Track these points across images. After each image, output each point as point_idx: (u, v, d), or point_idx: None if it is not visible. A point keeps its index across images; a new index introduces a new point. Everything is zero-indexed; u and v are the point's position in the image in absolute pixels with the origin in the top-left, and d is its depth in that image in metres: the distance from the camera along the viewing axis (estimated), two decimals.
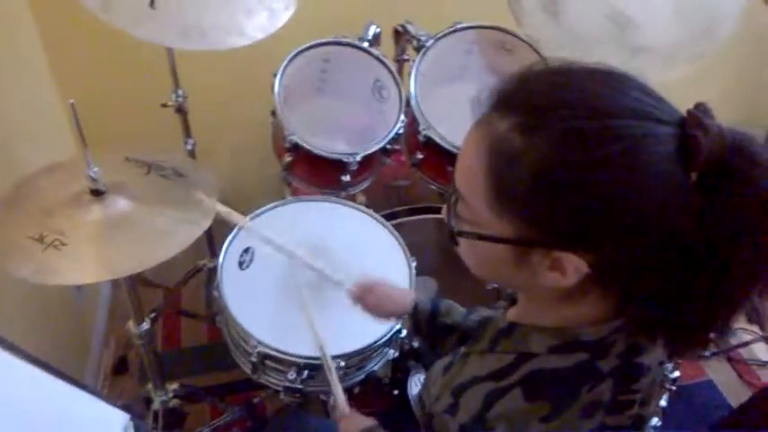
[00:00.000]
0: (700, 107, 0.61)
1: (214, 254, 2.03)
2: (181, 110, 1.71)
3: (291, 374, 1.31)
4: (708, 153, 0.58)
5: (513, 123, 0.61)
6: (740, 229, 0.59)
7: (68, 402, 0.82)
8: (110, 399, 0.90)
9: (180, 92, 1.69)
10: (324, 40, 1.63)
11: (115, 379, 2.00)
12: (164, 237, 1.15)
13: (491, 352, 0.77)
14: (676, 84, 1.67)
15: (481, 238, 0.67)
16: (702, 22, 1.49)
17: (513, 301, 0.85)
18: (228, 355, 1.44)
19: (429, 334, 1.11)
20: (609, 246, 0.62)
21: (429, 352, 1.53)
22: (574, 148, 0.59)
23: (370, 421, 1.04)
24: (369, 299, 1.13)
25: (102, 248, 1.12)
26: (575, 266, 0.63)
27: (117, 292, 2.23)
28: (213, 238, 2.01)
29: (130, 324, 1.42)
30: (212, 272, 2.06)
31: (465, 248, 0.72)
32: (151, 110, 1.69)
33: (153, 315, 1.47)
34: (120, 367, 2.02)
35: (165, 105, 1.69)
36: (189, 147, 1.78)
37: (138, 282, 1.41)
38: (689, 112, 0.61)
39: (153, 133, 1.70)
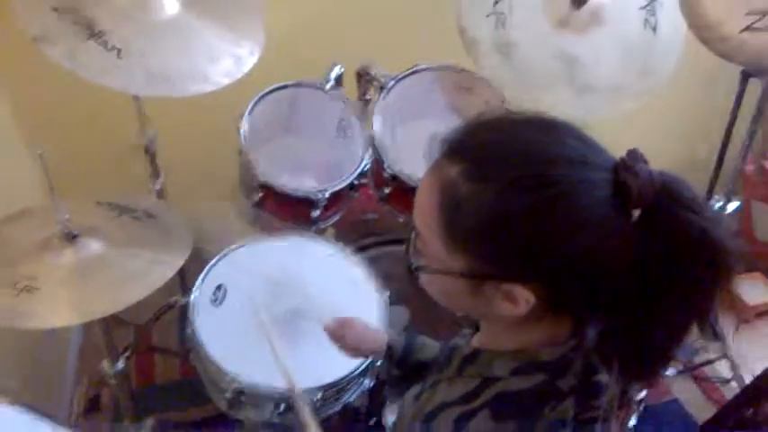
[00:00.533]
0: (631, 153, 0.67)
1: (186, 290, 2.04)
2: (149, 151, 1.75)
3: (268, 410, 1.34)
4: (638, 196, 0.64)
5: (461, 170, 0.67)
6: (672, 266, 0.64)
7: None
8: None
9: (149, 132, 1.72)
10: (288, 83, 1.69)
11: (88, 417, 1.99)
12: (137, 278, 1.19)
13: (458, 377, 0.81)
14: (627, 120, 1.78)
15: (436, 272, 0.73)
16: (645, 61, 1.59)
17: (476, 328, 0.90)
18: (203, 390, 1.46)
19: (403, 372, 1.14)
20: (552, 279, 0.67)
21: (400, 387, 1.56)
22: (514, 195, 0.64)
23: None
24: (347, 336, 1.16)
25: (75, 291, 1.16)
26: (524, 297, 0.68)
27: (88, 331, 2.22)
28: (185, 275, 2.03)
29: (105, 364, 1.44)
30: (184, 308, 2.08)
31: (426, 281, 0.77)
32: (119, 151, 1.72)
33: (127, 354, 1.49)
34: (93, 407, 2.01)
35: (133, 147, 1.72)
36: (158, 187, 1.81)
37: (111, 326, 1.43)
38: (621, 158, 0.67)
39: (122, 175, 1.74)
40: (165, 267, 1.21)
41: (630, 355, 0.71)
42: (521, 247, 0.66)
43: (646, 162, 0.66)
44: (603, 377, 0.77)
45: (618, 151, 0.69)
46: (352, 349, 1.16)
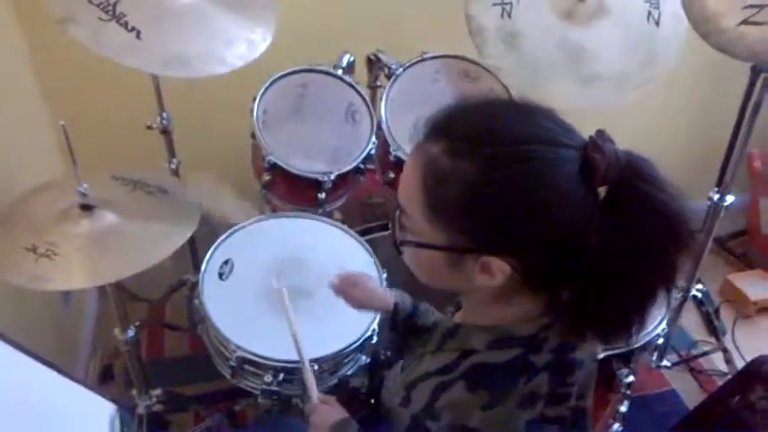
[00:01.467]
0: (599, 133, 0.72)
1: (198, 269, 2.11)
2: (165, 131, 1.81)
3: (268, 378, 1.40)
4: (604, 172, 0.69)
5: (443, 148, 0.73)
6: (637, 238, 0.70)
7: (58, 392, 0.91)
8: (98, 390, 0.99)
9: (165, 114, 1.79)
10: (300, 68, 1.76)
11: (101, 387, 2.07)
12: (147, 247, 1.25)
13: (440, 351, 0.86)
14: (641, 114, 1.80)
15: (420, 245, 0.78)
16: (648, 51, 1.63)
17: (459, 307, 0.95)
18: (210, 366, 1.52)
19: (404, 333, 1.19)
20: (527, 250, 0.73)
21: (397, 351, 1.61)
22: (492, 170, 0.70)
23: (340, 413, 1.10)
24: (355, 291, 1.21)
25: (90, 258, 1.22)
26: (500, 269, 0.73)
27: (103, 304, 2.30)
28: (197, 253, 2.10)
29: (116, 331, 1.50)
30: (195, 286, 2.15)
31: (409, 256, 0.83)
32: (137, 131, 1.79)
33: (138, 323, 1.56)
34: (106, 376, 2.09)
35: (149, 127, 1.79)
36: (173, 166, 1.88)
37: (124, 296, 1.51)
38: (590, 137, 0.72)
39: (138, 153, 1.80)
40: (175, 238, 1.27)
41: (602, 321, 0.76)
42: (497, 219, 0.71)
43: (612, 142, 0.71)
44: (579, 354, 0.82)
45: (628, 144, 0.73)
46: (359, 303, 1.21)
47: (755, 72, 2.35)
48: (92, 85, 1.96)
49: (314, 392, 1.19)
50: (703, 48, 1.48)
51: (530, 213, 0.70)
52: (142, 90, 1.72)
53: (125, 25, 1.36)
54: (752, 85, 2.38)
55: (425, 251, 0.77)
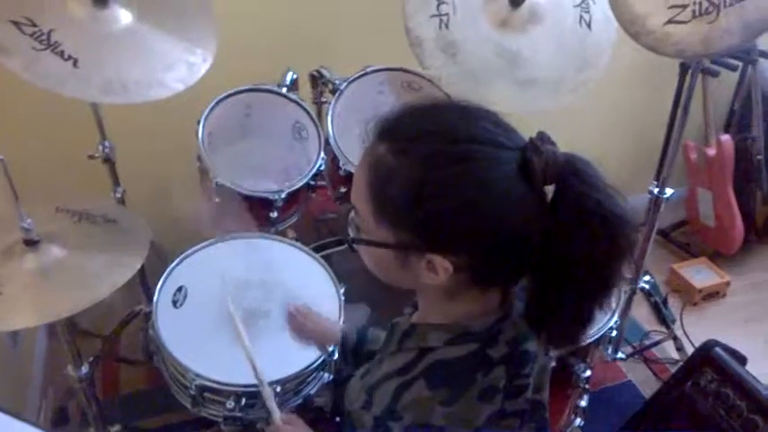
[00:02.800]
0: (540, 135, 0.75)
1: (150, 298, 2.07)
2: (108, 160, 1.77)
3: (230, 404, 1.37)
4: (541, 173, 0.72)
5: (387, 148, 0.75)
6: (578, 237, 0.72)
7: None
8: None
9: (107, 143, 1.75)
10: (244, 88, 1.75)
11: (55, 430, 2.00)
12: (98, 279, 1.22)
13: (399, 351, 0.87)
14: (579, 114, 1.86)
15: (368, 243, 0.80)
16: (582, 54, 1.68)
17: (416, 307, 0.96)
18: (169, 397, 1.49)
19: (356, 362, 1.19)
20: (467, 248, 0.75)
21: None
22: (432, 169, 0.72)
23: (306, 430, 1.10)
24: (307, 324, 1.21)
25: (38, 294, 1.19)
26: (443, 267, 0.75)
27: (53, 343, 2.23)
28: (148, 283, 2.06)
29: (69, 369, 1.46)
30: (148, 316, 2.10)
31: (364, 255, 0.84)
32: (80, 161, 1.75)
33: (91, 359, 1.51)
34: (60, 418, 2.02)
35: (92, 157, 1.75)
36: (118, 195, 1.84)
37: (75, 333, 1.46)
38: (530, 138, 0.75)
39: (83, 184, 1.76)
40: (125, 268, 1.24)
41: (551, 321, 0.79)
42: (437, 218, 0.73)
43: (553, 144, 0.74)
44: (531, 346, 0.84)
45: (572, 144, 0.76)
46: (311, 335, 1.21)
47: (684, 68, 2.47)
48: (30, 115, 1.91)
49: (276, 414, 1.17)
50: (636, 47, 1.54)
51: (469, 212, 0.72)
52: (83, 119, 1.68)
53: (61, 54, 1.33)
54: (682, 80, 2.49)
55: (377, 249, 0.79)
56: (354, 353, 1.18)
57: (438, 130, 0.75)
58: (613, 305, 1.63)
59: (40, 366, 2.18)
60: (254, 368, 1.16)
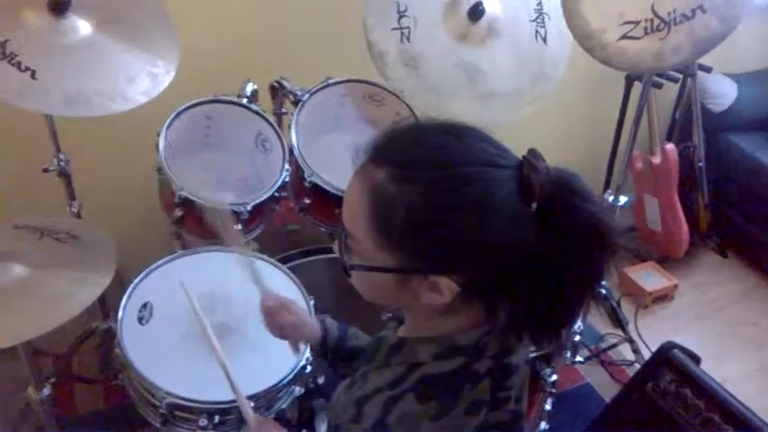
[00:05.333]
0: (532, 152, 0.77)
1: (107, 315, 2.02)
2: (64, 173, 1.72)
3: (203, 422, 1.34)
4: (539, 189, 0.74)
5: (387, 174, 0.75)
6: (568, 248, 0.75)
7: None
8: None
9: (61, 156, 1.70)
10: (204, 99, 1.73)
11: None
12: (63, 299, 1.18)
13: (386, 366, 0.87)
14: (529, 124, 1.91)
15: (369, 269, 0.80)
16: (538, 67, 1.74)
17: (401, 321, 0.97)
18: (129, 417, 1.44)
19: (336, 357, 1.19)
20: (472, 268, 0.76)
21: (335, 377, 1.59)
22: (437, 194, 0.73)
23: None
24: (287, 317, 1.16)
25: (1, 316, 1.14)
26: (448, 287, 0.76)
27: (2, 366, 2.13)
28: (105, 300, 2.00)
29: (30, 391, 1.40)
30: (106, 333, 2.04)
31: (356, 278, 0.84)
32: (33, 176, 1.69)
33: (53, 380, 1.46)
34: None
35: (46, 170, 1.70)
36: (74, 209, 1.79)
37: (32, 353, 1.41)
38: (524, 157, 0.77)
39: (37, 199, 1.70)
40: (93, 287, 1.21)
41: (536, 327, 0.81)
42: (443, 241, 0.75)
43: (544, 160, 0.77)
44: (514, 358, 0.86)
45: (521, 152, 0.79)
46: (288, 328, 1.17)
47: (629, 80, 2.57)
48: None
49: (250, 417, 1.16)
50: (582, 61, 1.59)
51: (474, 234, 0.74)
52: (37, 132, 1.63)
53: (18, 65, 1.29)
54: (627, 92, 2.60)
55: (373, 274, 0.79)
56: (336, 348, 1.18)
57: (437, 155, 0.76)
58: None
59: None
60: (225, 369, 1.14)
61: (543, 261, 0.75)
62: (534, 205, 0.75)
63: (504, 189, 0.74)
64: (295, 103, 1.80)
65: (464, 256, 0.75)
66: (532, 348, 1.52)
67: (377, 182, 0.76)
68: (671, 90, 2.81)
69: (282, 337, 1.18)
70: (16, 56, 1.30)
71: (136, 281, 1.52)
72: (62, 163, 1.70)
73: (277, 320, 1.15)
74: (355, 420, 0.81)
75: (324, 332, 1.18)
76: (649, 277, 2.68)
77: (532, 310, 0.79)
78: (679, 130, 2.93)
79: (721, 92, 2.82)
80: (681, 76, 2.62)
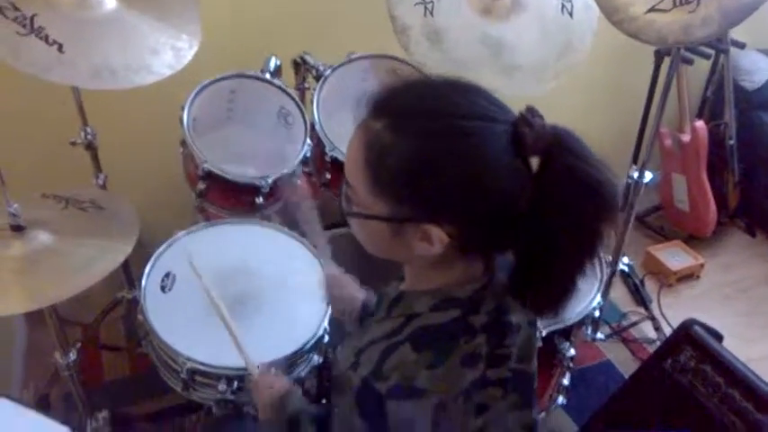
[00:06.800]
0: (529, 109, 0.77)
1: (132, 285, 2.06)
2: (90, 146, 1.76)
3: (222, 386, 1.38)
4: (532, 144, 0.75)
5: (384, 124, 0.77)
6: (565, 206, 0.75)
7: (10, 418, 0.88)
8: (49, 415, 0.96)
9: (88, 129, 1.74)
10: (228, 74, 1.74)
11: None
12: (86, 265, 1.21)
13: (387, 318, 0.90)
14: (547, 97, 1.89)
15: (364, 217, 0.82)
16: (564, 41, 1.71)
17: (403, 279, 0.98)
18: (154, 384, 1.48)
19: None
20: (463, 219, 0.78)
21: None
22: (431, 144, 0.75)
23: (283, 385, 1.13)
24: (344, 290, 1.24)
25: (26, 281, 1.18)
26: (439, 237, 0.78)
27: (33, 332, 2.21)
28: (130, 270, 2.05)
29: (57, 355, 1.45)
30: (131, 303, 2.09)
31: (355, 228, 0.87)
32: (61, 148, 1.73)
33: (79, 345, 1.51)
34: (42, 406, 2.00)
35: (74, 143, 1.74)
36: (100, 182, 1.83)
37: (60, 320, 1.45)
38: (520, 112, 0.77)
39: (64, 171, 1.74)
40: (115, 253, 1.24)
41: (536, 288, 0.82)
42: (435, 190, 0.76)
43: (541, 117, 0.77)
44: (514, 318, 0.87)
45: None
46: (347, 300, 1.23)
47: (659, 55, 2.52)
48: (11, 101, 1.87)
49: (253, 368, 1.19)
50: (610, 35, 1.57)
51: (466, 184, 0.75)
52: (64, 106, 1.66)
53: (45, 39, 1.31)
54: (657, 67, 2.54)
55: (370, 222, 0.82)
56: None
57: (434, 106, 0.77)
58: (596, 286, 1.67)
59: (19, 358, 2.16)
60: (225, 320, 1.20)
61: (538, 218, 0.76)
62: (531, 162, 0.76)
63: (497, 143, 0.75)
64: (317, 79, 1.81)
65: (454, 205, 0.76)
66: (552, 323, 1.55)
67: (373, 133, 0.77)
68: (703, 67, 2.75)
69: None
70: (44, 29, 1.32)
71: (159, 251, 1.55)
72: (89, 136, 1.74)
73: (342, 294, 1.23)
74: (353, 368, 0.83)
75: (364, 303, 1.20)
76: (675, 256, 2.65)
77: (529, 268, 0.81)
78: (710, 107, 2.87)
79: (755, 68, 2.75)
80: (713, 52, 2.56)
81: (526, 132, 0.75)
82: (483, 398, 0.86)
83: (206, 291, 1.25)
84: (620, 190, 0.78)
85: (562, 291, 0.81)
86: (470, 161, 0.75)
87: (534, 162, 0.77)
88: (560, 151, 0.75)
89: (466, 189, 0.75)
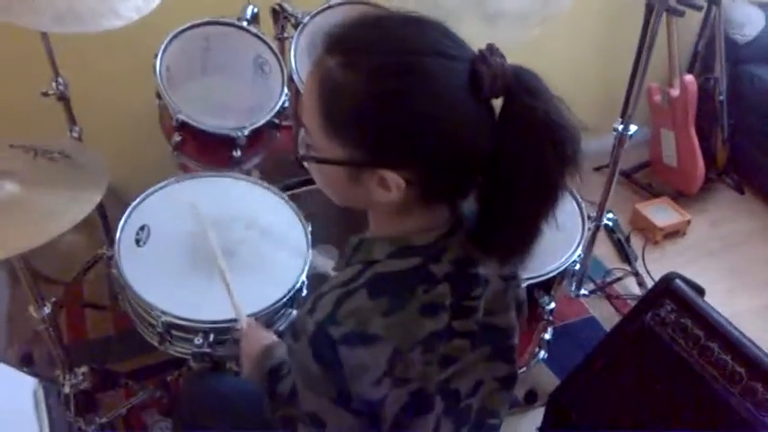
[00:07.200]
0: (488, 47, 0.74)
1: (112, 242, 2.03)
2: (63, 97, 1.71)
3: (198, 340, 1.36)
4: (490, 84, 0.72)
5: (337, 62, 0.73)
6: (526, 148, 0.73)
7: None
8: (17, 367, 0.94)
9: (60, 79, 1.68)
10: (202, 20, 1.69)
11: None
12: (55, 215, 1.19)
13: (347, 266, 0.87)
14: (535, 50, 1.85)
15: (319, 161, 0.79)
16: None
17: None
18: (137, 342, 1.46)
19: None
20: (419, 163, 0.75)
21: None
22: (382, 81, 0.71)
23: (269, 338, 1.12)
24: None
25: None
26: (396, 183, 0.75)
27: (15, 291, 2.19)
28: (110, 227, 2.02)
29: (31, 309, 1.43)
30: (111, 260, 2.07)
31: (315, 174, 0.84)
32: (33, 100, 1.68)
33: (54, 300, 1.49)
34: (26, 363, 1.99)
35: (45, 94, 1.69)
36: (75, 134, 1.78)
37: (37, 278, 1.43)
38: (479, 50, 0.74)
39: (38, 123, 1.70)
40: (84, 203, 1.21)
41: (498, 234, 0.80)
42: (388, 131, 0.73)
43: (502, 57, 0.73)
44: (482, 269, 0.85)
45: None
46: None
47: (650, 8, 2.45)
48: None
49: (243, 316, 1.19)
50: None
51: (419, 125, 0.72)
52: (37, 56, 1.61)
53: None
54: (647, 21, 2.49)
55: (328, 167, 0.79)
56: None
57: (387, 41, 0.74)
58: (577, 240, 1.65)
59: (2, 316, 2.15)
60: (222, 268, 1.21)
61: (499, 162, 0.73)
62: (498, 104, 0.73)
63: (452, 81, 0.72)
64: (296, 27, 1.76)
65: (409, 149, 0.73)
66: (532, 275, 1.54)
67: (326, 70, 0.74)
68: (694, 20, 2.69)
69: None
70: None
71: (134, 203, 1.52)
72: (60, 87, 1.69)
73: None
74: (309, 314, 0.81)
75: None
76: (662, 212, 2.63)
77: (491, 214, 0.78)
78: (701, 61, 2.82)
79: (747, 21, 2.69)
80: (705, 3, 2.51)
81: (482, 71, 0.71)
82: (449, 350, 0.85)
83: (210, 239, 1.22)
84: (579, 133, 0.74)
85: (526, 237, 0.79)
86: (425, 100, 0.71)
87: (498, 105, 0.74)
88: (520, 92, 0.72)
89: (421, 130, 0.72)
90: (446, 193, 0.81)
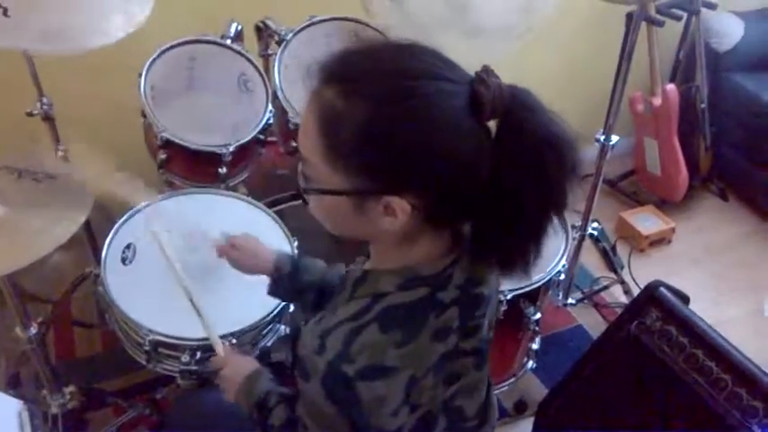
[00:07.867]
0: (484, 68, 0.75)
1: (99, 260, 2.03)
2: (48, 117, 1.71)
3: (185, 357, 1.37)
4: (491, 105, 0.73)
5: (335, 91, 0.73)
6: (526, 165, 0.74)
7: None
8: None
9: (45, 99, 1.68)
10: (186, 39, 1.70)
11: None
12: (40, 235, 1.18)
13: (352, 299, 0.87)
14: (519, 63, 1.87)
15: (323, 192, 0.79)
16: (528, 1, 1.68)
17: (368, 257, 0.97)
18: (126, 360, 1.47)
19: (288, 290, 1.20)
20: (423, 187, 0.75)
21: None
22: (380, 107, 0.72)
23: (251, 365, 1.11)
24: (232, 253, 1.20)
25: None
26: (402, 209, 0.75)
27: (2, 314, 2.17)
28: (97, 245, 2.01)
29: (18, 330, 1.43)
30: (98, 278, 2.06)
31: (314, 205, 0.83)
32: (18, 120, 1.68)
33: (40, 320, 1.48)
34: (13, 383, 1.98)
35: (30, 114, 1.69)
36: (61, 153, 1.78)
37: (24, 298, 1.43)
38: (476, 72, 0.75)
39: (24, 143, 1.70)
40: (68, 224, 1.21)
41: (503, 250, 0.81)
42: (391, 157, 0.73)
43: (497, 77, 0.75)
44: (485, 289, 0.87)
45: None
46: (238, 263, 1.21)
47: (631, 19, 2.49)
48: None
49: (219, 346, 1.18)
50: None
51: (421, 149, 0.72)
52: (20, 77, 1.61)
53: None
54: (628, 31, 2.52)
55: (330, 198, 0.78)
56: (289, 280, 1.18)
57: (384, 67, 0.74)
58: (561, 250, 1.67)
59: None
60: (189, 295, 1.18)
61: (501, 181, 0.74)
62: (490, 123, 0.74)
63: (453, 104, 0.72)
64: (280, 44, 1.77)
65: (413, 173, 0.74)
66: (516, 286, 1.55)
67: (325, 101, 0.74)
68: (674, 29, 2.73)
69: (249, 270, 1.21)
70: None
71: (119, 222, 1.53)
72: (45, 107, 1.68)
73: (234, 256, 1.19)
74: (319, 352, 0.81)
75: (277, 263, 1.18)
76: (647, 221, 2.66)
77: (496, 233, 0.79)
78: (683, 70, 2.86)
79: (726, 30, 2.74)
80: (684, 13, 2.54)
81: (483, 92, 0.72)
82: (456, 367, 0.86)
83: (170, 264, 1.22)
84: (578, 143, 0.76)
85: (532, 248, 0.80)
86: (426, 124, 0.72)
87: (493, 127, 0.75)
88: (519, 111, 0.73)
89: (425, 153, 0.72)
90: (450, 217, 0.81)
